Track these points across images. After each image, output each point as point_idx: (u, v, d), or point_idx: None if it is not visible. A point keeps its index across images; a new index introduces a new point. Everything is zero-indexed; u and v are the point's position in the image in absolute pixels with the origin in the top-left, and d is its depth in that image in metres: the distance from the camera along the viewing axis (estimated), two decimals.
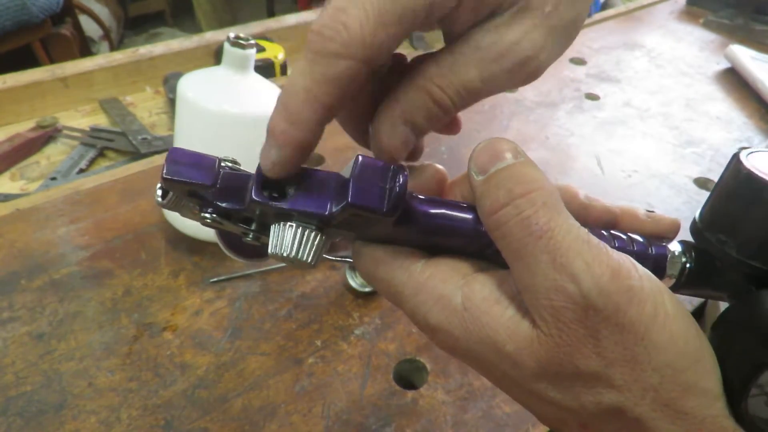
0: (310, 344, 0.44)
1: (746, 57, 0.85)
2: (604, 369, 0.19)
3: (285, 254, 0.22)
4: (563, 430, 0.22)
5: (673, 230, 0.26)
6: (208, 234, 0.49)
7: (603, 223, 0.26)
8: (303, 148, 0.22)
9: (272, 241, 0.22)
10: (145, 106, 0.79)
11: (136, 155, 0.68)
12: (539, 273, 0.19)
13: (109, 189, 0.58)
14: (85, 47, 1.79)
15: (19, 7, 1.35)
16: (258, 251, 0.28)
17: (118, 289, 0.48)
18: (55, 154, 0.70)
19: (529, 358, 0.20)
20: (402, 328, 0.46)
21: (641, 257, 0.23)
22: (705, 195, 0.63)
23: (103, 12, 2.24)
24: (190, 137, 0.47)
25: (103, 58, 0.80)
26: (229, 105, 0.45)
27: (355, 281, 0.48)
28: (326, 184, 0.22)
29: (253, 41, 0.46)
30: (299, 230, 0.22)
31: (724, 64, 0.90)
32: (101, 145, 0.70)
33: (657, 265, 0.24)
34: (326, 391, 0.41)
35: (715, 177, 0.65)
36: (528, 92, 0.81)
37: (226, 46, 0.46)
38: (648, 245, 0.25)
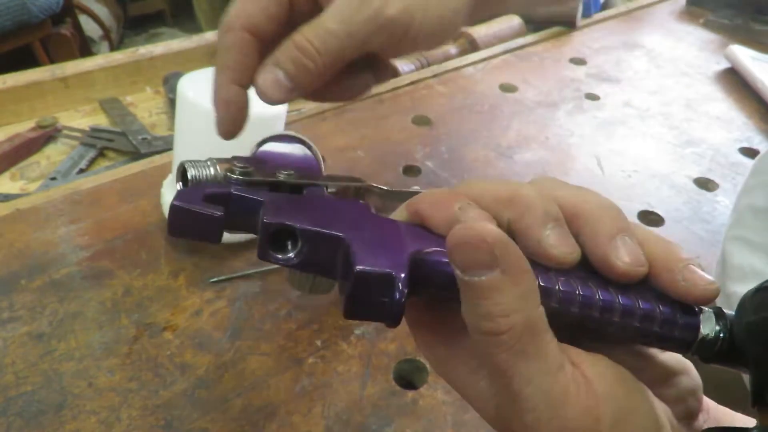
0: (310, 344, 0.44)
1: (746, 57, 0.85)
2: None
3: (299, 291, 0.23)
4: None
5: (709, 298, 0.22)
6: None
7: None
8: (229, 106, 0.30)
9: (289, 277, 0.24)
10: (145, 106, 0.79)
11: (136, 155, 0.68)
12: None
13: (109, 189, 0.58)
14: (85, 47, 1.79)
15: (19, 7, 1.35)
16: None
17: (118, 289, 0.48)
18: (55, 154, 0.70)
19: None
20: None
21: (668, 324, 0.21)
22: (705, 195, 0.63)
23: (103, 12, 2.24)
24: (190, 137, 0.47)
25: (103, 58, 0.80)
26: None
27: None
28: (331, 254, 0.21)
29: None
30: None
31: (724, 64, 0.90)
32: (101, 145, 0.70)
33: (684, 335, 0.22)
34: (326, 391, 0.41)
35: (715, 177, 0.66)
36: (528, 92, 0.81)
37: None
38: (675, 312, 0.22)
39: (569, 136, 0.72)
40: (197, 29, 2.62)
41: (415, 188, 0.31)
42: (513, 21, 1.00)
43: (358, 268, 0.19)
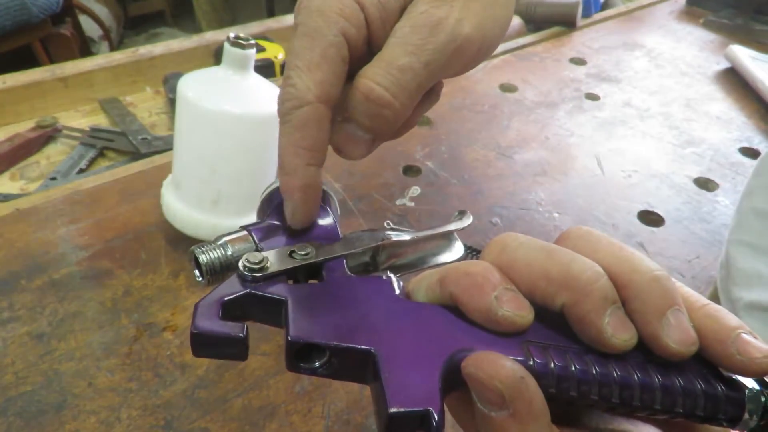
0: None
1: (746, 57, 0.85)
2: None
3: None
4: None
5: (765, 370, 0.20)
6: (208, 234, 0.49)
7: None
8: (306, 191, 0.25)
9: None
10: (145, 106, 0.79)
11: (136, 155, 0.68)
12: None
13: (109, 189, 0.58)
14: (85, 47, 1.79)
15: (19, 7, 1.35)
16: None
17: (118, 289, 0.48)
18: (55, 154, 0.70)
19: None
20: None
21: (709, 399, 0.20)
22: (705, 195, 0.63)
23: (103, 12, 2.24)
24: (190, 137, 0.47)
25: (103, 58, 0.80)
26: (229, 105, 0.45)
27: None
28: (359, 363, 0.20)
29: (253, 41, 0.46)
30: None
31: (724, 64, 0.90)
32: (101, 145, 0.70)
33: (730, 408, 0.20)
34: (326, 391, 0.41)
35: (715, 177, 0.66)
36: (528, 92, 0.81)
37: (226, 46, 0.46)
38: (717, 383, 0.20)
39: (569, 136, 0.72)
40: (197, 29, 2.62)
41: (433, 232, 0.28)
42: (513, 21, 1.00)
43: (392, 410, 0.18)
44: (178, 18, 2.95)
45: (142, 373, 0.42)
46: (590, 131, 0.73)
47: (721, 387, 0.20)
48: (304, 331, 0.20)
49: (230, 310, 0.21)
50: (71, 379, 0.41)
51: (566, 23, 0.99)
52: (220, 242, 0.24)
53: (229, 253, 0.24)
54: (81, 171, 0.66)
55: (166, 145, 0.69)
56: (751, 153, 0.70)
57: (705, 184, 0.65)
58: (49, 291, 0.47)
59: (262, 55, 0.82)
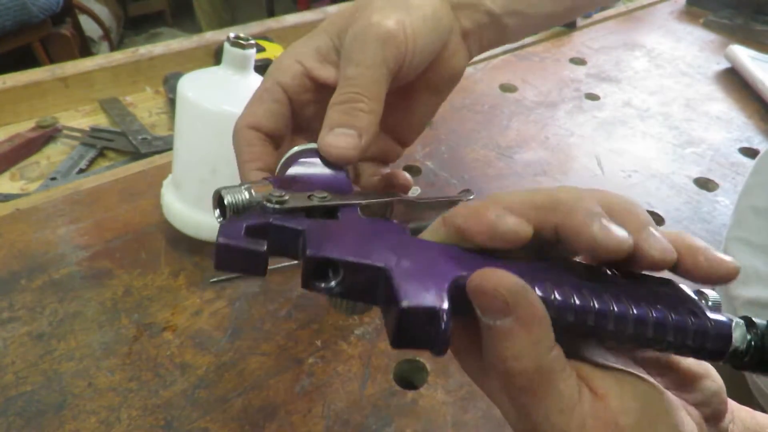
0: (310, 344, 0.44)
1: (746, 57, 0.85)
2: None
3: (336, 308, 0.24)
4: None
5: (732, 274, 0.23)
6: (208, 234, 0.49)
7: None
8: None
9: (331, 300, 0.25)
10: (145, 106, 0.79)
11: (136, 155, 0.68)
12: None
13: (109, 189, 0.58)
14: (85, 47, 1.79)
15: (19, 7, 1.35)
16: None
17: (118, 289, 0.48)
18: (55, 154, 0.70)
19: None
20: None
21: (700, 333, 0.22)
22: (705, 195, 0.63)
23: (103, 12, 2.24)
24: (190, 137, 0.47)
25: (103, 58, 0.80)
26: (229, 105, 0.45)
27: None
28: (372, 282, 0.21)
29: (253, 41, 0.46)
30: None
31: (724, 64, 0.90)
32: (101, 145, 0.70)
33: (717, 346, 0.22)
34: (326, 391, 0.41)
35: (715, 177, 0.65)
36: (528, 92, 0.81)
37: (226, 46, 0.46)
38: (707, 324, 0.22)
39: (569, 136, 0.72)
40: (197, 29, 2.62)
41: (441, 198, 0.31)
42: None
43: (403, 305, 0.19)
44: (178, 18, 2.95)
45: (142, 373, 0.42)
46: (590, 131, 0.73)
47: (710, 322, 0.22)
48: (321, 248, 0.21)
49: (252, 234, 0.23)
50: (71, 379, 0.41)
51: (566, 23, 0.99)
52: (245, 186, 0.25)
53: (251, 195, 0.25)
54: (81, 171, 0.66)
55: (166, 145, 0.69)
56: (751, 153, 0.70)
57: (705, 184, 0.65)
58: (49, 291, 0.47)
59: (262, 55, 0.82)
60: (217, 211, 0.26)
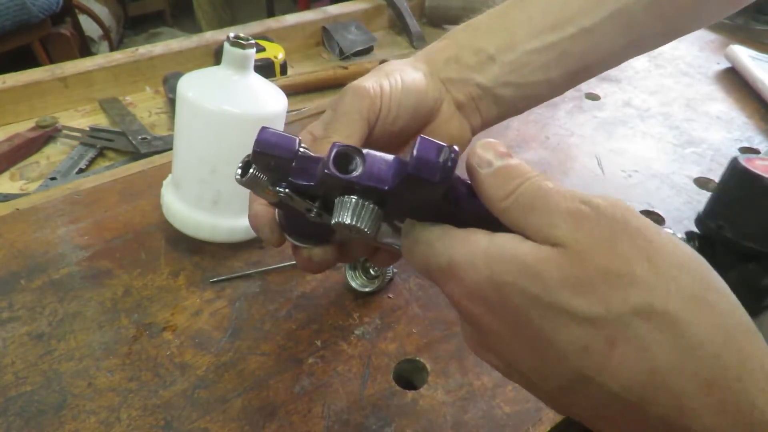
0: (310, 344, 0.44)
1: (746, 57, 0.85)
2: (625, 266, 0.20)
3: (347, 222, 0.25)
4: (587, 363, 0.21)
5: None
6: (208, 234, 0.49)
7: None
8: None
9: (336, 212, 0.26)
10: (144, 106, 0.79)
11: (135, 155, 0.68)
12: (553, 206, 0.22)
13: (109, 189, 0.58)
14: (84, 47, 1.79)
15: (19, 7, 1.35)
16: (316, 233, 0.32)
17: (118, 289, 0.48)
18: (54, 154, 0.70)
19: (552, 267, 0.21)
20: (402, 328, 0.46)
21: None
22: (705, 195, 0.63)
23: (102, 12, 2.24)
24: (190, 137, 0.47)
25: (102, 58, 0.80)
26: (229, 105, 0.45)
27: (355, 282, 0.48)
28: (388, 165, 0.25)
29: (253, 41, 0.46)
30: (360, 201, 0.25)
31: (724, 64, 0.90)
32: (101, 145, 0.70)
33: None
34: (326, 391, 0.41)
35: (715, 177, 0.65)
36: None
37: (226, 45, 0.46)
38: None
39: (569, 136, 0.72)
40: (197, 29, 2.62)
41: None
42: None
43: (420, 137, 0.24)
44: (178, 18, 2.95)
45: (142, 373, 0.42)
46: (590, 131, 0.73)
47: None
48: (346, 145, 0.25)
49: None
50: (71, 379, 0.41)
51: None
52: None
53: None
54: (81, 171, 0.66)
55: (166, 145, 0.69)
56: (751, 153, 0.70)
57: (705, 184, 0.65)
58: (49, 291, 0.47)
59: (262, 55, 0.82)
60: (239, 170, 0.29)
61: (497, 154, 0.24)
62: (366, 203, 0.25)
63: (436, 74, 0.40)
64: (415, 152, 0.23)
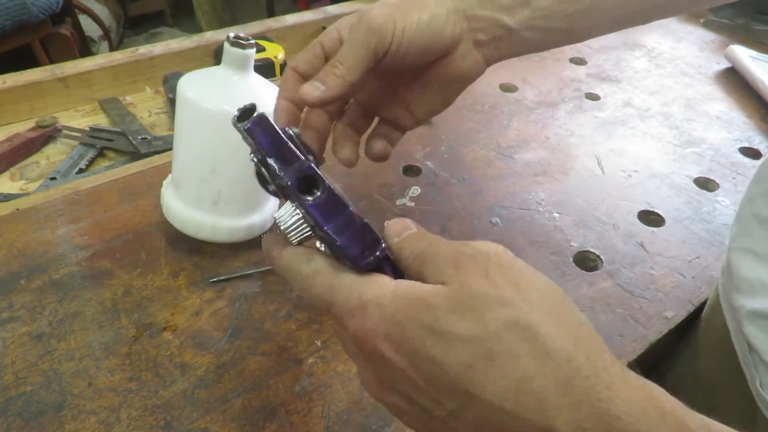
0: (310, 344, 0.44)
1: (746, 57, 0.85)
2: (497, 291, 0.24)
3: (282, 227, 0.29)
4: (472, 381, 0.24)
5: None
6: (208, 234, 0.49)
7: None
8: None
9: (281, 211, 0.29)
10: (144, 106, 0.79)
11: (135, 155, 0.68)
12: (440, 255, 0.27)
13: (109, 189, 0.58)
14: (84, 47, 1.79)
15: (19, 7, 1.35)
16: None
17: (117, 289, 0.48)
18: (54, 154, 0.70)
19: (441, 299, 0.25)
20: None
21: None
22: (705, 195, 0.63)
23: (102, 12, 2.24)
24: (190, 137, 0.47)
25: (102, 58, 0.80)
26: (229, 105, 0.45)
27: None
28: (339, 212, 0.28)
29: (253, 41, 0.46)
30: (300, 221, 0.29)
31: (724, 64, 0.90)
32: (101, 145, 0.70)
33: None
34: (326, 391, 0.41)
35: (715, 177, 0.66)
36: (528, 92, 0.81)
37: (226, 45, 0.46)
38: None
39: (569, 136, 0.72)
40: (197, 29, 2.62)
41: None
42: None
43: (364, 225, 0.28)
44: (178, 18, 2.95)
45: (141, 374, 0.42)
46: (590, 131, 0.73)
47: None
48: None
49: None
50: (71, 379, 0.41)
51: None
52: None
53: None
54: (81, 171, 0.66)
55: (166, 145, 0.69)
56: (751, 153, 0.70)
57: (705, 184, 0.65)
58: (49, 291, 0.47)
59: (262, 55, 0.82)
60: (236, 114, 0.31)
61: (404, 227, 0.30)
62: (304, 224, 0.29)
63: (464, 11, 0.41)
64: (338, 242, 0.27)
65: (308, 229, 0.29)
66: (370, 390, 0.29)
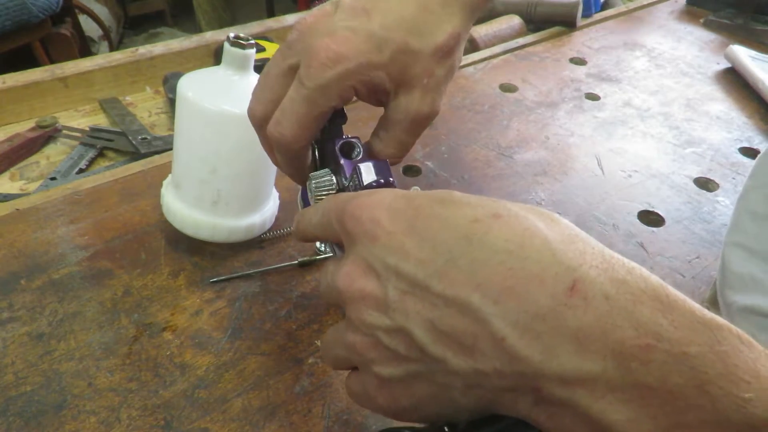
0: (310, 344, 0.44)
1: (746, 57, 0.85)
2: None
3: (313, 181, 0.35)
4: (475, 229, 0.24)
5: None
6: (208, 234, 0.49)
7: None
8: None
9: (316, 173, 0.36)
10: (144, 106, 0.79)
11: (135, 155, 0.68)
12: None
13: (109, 189, 0.58)
14: (84, 47, 1.79)
15: (19, 7, 1.35)
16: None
17: (117, 289, 0.48)
18: (54, 154, 0.70)
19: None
20: None
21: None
22: (705, 195, 0.63)
23: (102, 12, 2.24)
24: (190, 137, 0.47)
25: (102, 58, 0.80)
26: (229, 105, 0.45)
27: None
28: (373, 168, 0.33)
29: (253, 41, 0.46)
30: (332, 178, 0.35)
31: (724, 64, 0.90)
32: (101, 145, 0.70)
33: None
34: (326, 391, 0.41)
35: (715, 177, 0.66)
36: (528, 92, 0.81)
37: (226, 46, 0.46)
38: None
39: (569, 136, 0.72)
40: (197, 29, 2.62)
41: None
42: (513, 21, 1.00)
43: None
44: (178, 18, 2.95)
45: (141, 373, 0.42)
46: (590, 131, 0.73)
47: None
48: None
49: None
50: (71, 379, 0.41)
51: (566, 23, 0.99)
52: None
53: None
54: (81, 171, 0.66)
55: (166, 145, 0.69)
56: (751, 153, 0.70)
57: (705, 184, 0.65)
58: (49, 291, 0.47)
59: (262, 55, 0.82)
60: None
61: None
62: (332, 184, 0.35)
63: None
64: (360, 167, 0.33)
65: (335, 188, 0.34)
66: (344, 283, 0.27)
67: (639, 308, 0.21)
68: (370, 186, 0.32)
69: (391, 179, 0.32)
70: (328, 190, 0.34)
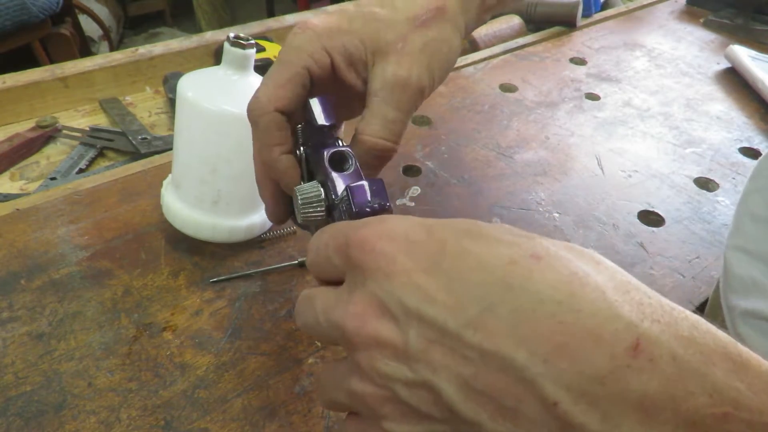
0: (310, 344, 0.44)
1: (746, 57, 0.85)
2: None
3: (299, 196, 0.32)
4: (514, 273, 0.21)
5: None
6: (208, 234, 0.49)
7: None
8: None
9: (303, 186, 0.33)
10: (144, 106, 0.79)
11: (135, 155, 0.68)
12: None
13: (109, 189, 0.58)
14: (84, 47, 1.79)
15: (19, 7, 1.35)
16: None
17: (117, 289, 0.48)
18: (54, 154, 0.70)
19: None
20: None
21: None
22: (705, 195, 0.63)
23: (102, 12, 2.24)
24: (190, 137, 0.47)
25: (102, 58, 0.80)
26: (229, 105, 0.45)
27: None
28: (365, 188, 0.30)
29: (253, 41, 0.46)
30: (320, 193, 0.32)
31: (724, 64, 0.90)
32: (101, 145, 0.70)
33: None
34: None
35: (715, 177, 0.66)
36: (528, 92, 0.81)
37: (226, 45, 0.46)
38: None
39: (569, 136, 0.72)
40: (197, 29, 2.62)
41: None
42: (513, 21, 1.00)
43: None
44: (178, 18, 2.95)
45: (141, 373, 0.42)
46: (590, 131, 0.73)
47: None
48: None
49: None
50: (71, 379, 0.41)
51: (566, 23, 0.99)
52: None
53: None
54: (81, 171, 0.66)
55: (166, 145, 0.69)
56: (751, 153, 0.70)
57: (705, 184, 0.65)
58: (49, 291, 0.47)
59: (262, 55, 0.82)
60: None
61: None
62: (320, 200, 0.32)
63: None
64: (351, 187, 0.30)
65: (324, 206, 0.32)
66: (354, 325, 0.23)
67: (712, 370, 0.18)
68: (362, 211, 0.28)
69: (387, 204, 0.29)
70: (316, 206, 0.31)
